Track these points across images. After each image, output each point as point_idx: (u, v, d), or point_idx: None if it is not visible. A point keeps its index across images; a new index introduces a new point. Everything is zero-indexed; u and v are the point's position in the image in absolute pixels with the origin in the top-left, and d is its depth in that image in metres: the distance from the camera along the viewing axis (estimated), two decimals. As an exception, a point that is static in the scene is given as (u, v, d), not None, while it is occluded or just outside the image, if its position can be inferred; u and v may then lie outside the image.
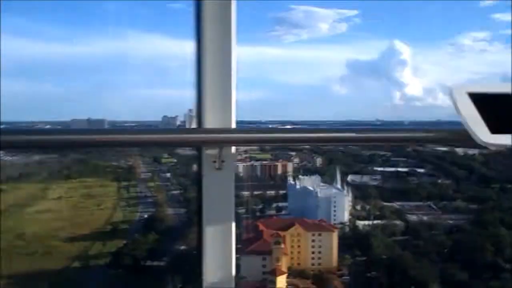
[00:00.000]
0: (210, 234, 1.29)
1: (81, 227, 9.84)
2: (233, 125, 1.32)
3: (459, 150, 11.35)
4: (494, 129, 1.14)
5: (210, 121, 1.29)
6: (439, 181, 12.04)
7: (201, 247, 1.30)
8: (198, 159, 1.32)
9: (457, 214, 11.14)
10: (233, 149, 1.28)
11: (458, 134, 1.22)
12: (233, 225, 1.30)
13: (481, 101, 1.18)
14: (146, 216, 10.39)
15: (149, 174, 11.40)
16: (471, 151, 11.57)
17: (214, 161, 1.24)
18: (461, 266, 10.00)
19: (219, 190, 1.28)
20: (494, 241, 10.04)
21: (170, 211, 10.59)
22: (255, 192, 12.15)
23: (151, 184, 11.28)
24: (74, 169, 10.38)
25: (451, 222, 10.96)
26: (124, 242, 9.95)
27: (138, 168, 11.67)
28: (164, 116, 10.48)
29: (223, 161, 1.26)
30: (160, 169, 11.51)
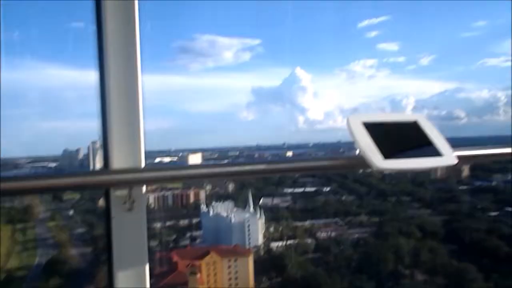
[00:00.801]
0: (122, 278, 1.23)
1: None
2: (143, 162, 1.29)
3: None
4: (387, 154, 1.25)
5: (118, 159, 1.24)
6: (343, 198, 12.85)
7: (113, 293, 1.23)
8: (106, 200, 1.27)
9: (361, 227, 11.96)
10: (144, 188, 1.25)
11: (357, 160, 1.30)
12: (147, 267, 1.26)
13: (374, 128, 1.29)
14: (46, 259, 9.48)
15: (49, 213, 10.48)
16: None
17: (124, 202, 1.20)
18: (368, 277, 10.69)
19: (131, 232, 1.23)
20: (394, 250, 10.94)
21: (74, 251, 9.81)
22: (168, 223, 11.77)
23: (52, 223, 10.37)
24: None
25: (356, 235, 11.71)
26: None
27: (36, 207, 10.67)
28: (65, 150, 9.78)
29: (133, 202, 1.22)
30: (61, 206, 10.66)
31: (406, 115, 1.39)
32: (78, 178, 1.17)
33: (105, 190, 1.26)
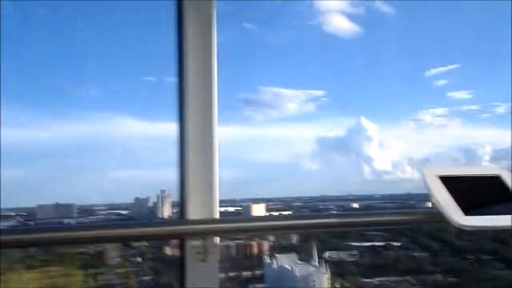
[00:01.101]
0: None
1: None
2: (217, 213, 1.31)
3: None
4: (466, 210, 1.21)
5: (194, 209, 1.28)
6: (415, 254, 12.00)
7: None
8: (181, 249, 1.29)
9: (435, 287, 11.04)
10: (217, 239, 1.26)
11: (434, 215, 1.27)
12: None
13: (451, 182, 1.26)
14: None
15: (119, 259, 10.85)
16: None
17: (199, 253, 1.22)
18: None
19: (204, 282, 1.24)
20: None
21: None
22: (231, 274, 11.65)
23: (121, 270, 10.71)
24: (37, 258, 9.78)
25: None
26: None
27: (107, 253, 11.11)
28: (136, 198, 10.26)
29: (207, 252, 1.24)
30: (130, 253, 11.01)
31: (486, 168, 1.36)
32: (155, 228, 1.22)
33: (180, 239, 1.29)
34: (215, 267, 1.27)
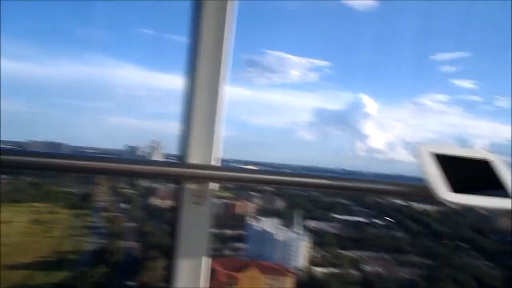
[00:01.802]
0: (183, 269, 1.26)
1: (26, 254, 9.27)
2: (218, 161, 1.32)
3: (415, 205, 11.71)
4: (454, 188, 1.22)
5: (194, 155, 1.29)
6: (396, 234, 12.27)
7: (171, 283, 1.27)
8: (176, 192, 1.31)
9: (411, 267, 11.33)
10: (217, 185, 1.28)
11: (420, 189, 1.28)
12: (208, 260, 1.29)
13: (443, 160, 1.27)
14: (97, 247, 9.91)
15: (105, 203, 10.98)
16: (427, 207, 11.96)
17: (196, 196, 1.24)
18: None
19: (197, 224, 1.27)
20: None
21: (124, 244, 10.18)
22: (213, 231, 11.89)
23: (106, 214, 10.84)
24: (25, 192, 9.88)
25: (405, 275, 11.10)
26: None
27: (94, 196, 11.22)
28: (127, 145, 10.28)
29: (202, 197, 1.26)
30: (117, 199, 11.13)
31: (480, 152, 1.37)
32: (154, 167, 1.23)
33: (177, 182, 1.31)
34: (209, 211, 1.29)
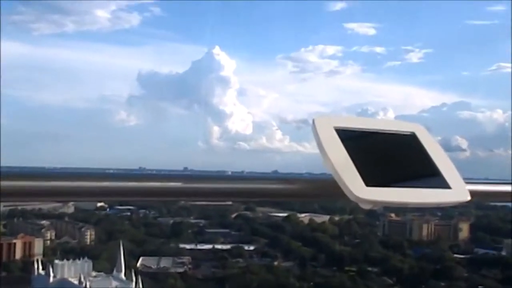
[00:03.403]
0: None
1: None
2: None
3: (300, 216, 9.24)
4: (369, 180, 0.87)
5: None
6: (276, 263, 9.36)
7: None
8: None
9: None
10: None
11: (327, 186, 0.90)
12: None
13: (351, 139, 0.92)
14: None
15: None
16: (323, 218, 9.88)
17: None
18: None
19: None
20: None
21: None
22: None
23: None
24: None
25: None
26: None
27: None
28: None
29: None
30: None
31: (400, 124, 1.01)
32: None
33: None
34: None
